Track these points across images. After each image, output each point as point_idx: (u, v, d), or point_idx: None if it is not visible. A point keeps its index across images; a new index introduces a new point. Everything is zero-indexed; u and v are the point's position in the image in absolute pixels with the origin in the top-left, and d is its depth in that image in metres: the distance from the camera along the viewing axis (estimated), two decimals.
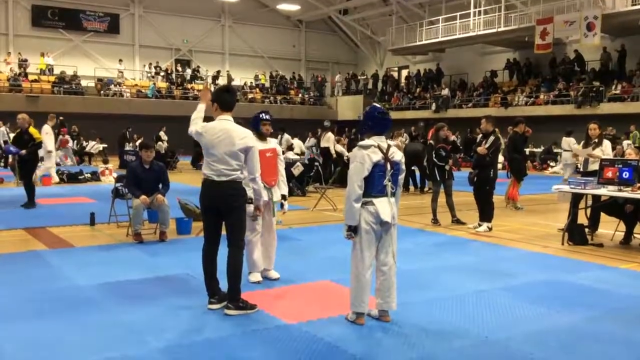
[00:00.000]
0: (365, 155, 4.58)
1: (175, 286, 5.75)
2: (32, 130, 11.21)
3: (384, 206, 4.62)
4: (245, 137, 4.94)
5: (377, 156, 4.59)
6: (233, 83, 32.37)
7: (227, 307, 4.92)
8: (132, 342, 4.25)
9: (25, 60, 29.99)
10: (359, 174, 4.58)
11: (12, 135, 20.62)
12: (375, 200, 4.61)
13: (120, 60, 32.40)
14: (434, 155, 9.72)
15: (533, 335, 4.49)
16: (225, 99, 5.06)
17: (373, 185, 4.61)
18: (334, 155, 16.63)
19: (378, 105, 4.93)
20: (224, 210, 4.94)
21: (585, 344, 4.34)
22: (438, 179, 9.74)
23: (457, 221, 9.75)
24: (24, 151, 10.96)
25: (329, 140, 16.99)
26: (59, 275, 6.14)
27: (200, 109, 5.19)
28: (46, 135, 16.03)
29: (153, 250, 7.42)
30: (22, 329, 4.49)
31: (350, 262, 4.76)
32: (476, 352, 4.14)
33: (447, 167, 9.76)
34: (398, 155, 4.74)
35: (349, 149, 16.89)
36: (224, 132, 4.90)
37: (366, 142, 4.69)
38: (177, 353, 4.05)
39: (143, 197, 7.87)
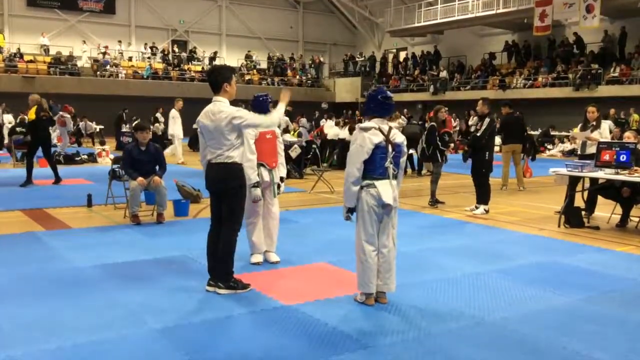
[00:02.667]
0: (366, 138, 4.56)
1: (173, 268, 5.76)
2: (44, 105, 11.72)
3: (386, 188, 4.61)
4: (229, 113, 4.82)
5: (378, 138, 4.57)
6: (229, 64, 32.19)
7: (217, 286, 4.95)
8: (130, 322, 4.27)
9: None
10: (358, 156, 4.57)
11: (5, 116, 20.53)
12: (377, 183, 4.60)
13: (120, 42, 32.18)
14: (438, 139, 9.71)
15: (529, 316, 4.52)
16: (208, 80, 5.07)
17: (374, 168, 4.60)
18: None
19: (383, 89, 4.88)
20: (221, 192, 4.96)
21: (580, 325, 4.37)
22: (440, 160, 9.74)
23: (435, 202, 9.76)
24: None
25: (331, 127, 16.97)
26: (57, 257, 6.15)
27: (280, 107, 5.11)
28: (172, 119, 16.45)
29: (151, 232, 7.43)
30: (19, 310, 4.51)
31: (355, 245, 4.77)
32: (472, 333, 4.17)
33: (446, 152, 9.89)
34: (400, 137, 4.73)
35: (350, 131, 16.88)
36: (211, 112, 4.90)
37: (367, 124, 4.67)
38: (175, 334, 4.08)
39: (140, 178, 7.85)
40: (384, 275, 4.70)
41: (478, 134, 8.96)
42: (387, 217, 4.69)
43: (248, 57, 36.00)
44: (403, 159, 4.78)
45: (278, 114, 5.08)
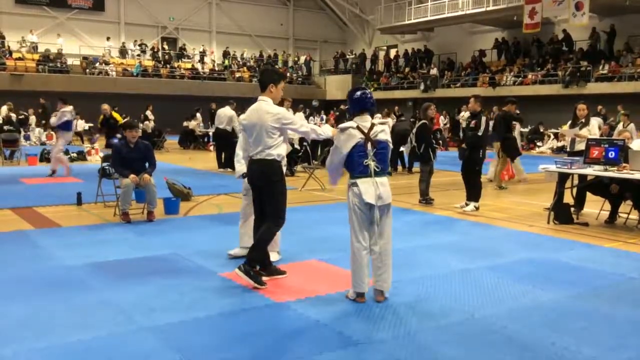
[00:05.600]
0: (341, 139, 4.65)
1: (163, 266, 5.75)
2: (114, 114, 13.91)
3: (368, 187, 4.61)
4: (277, 113, 5.07)
5: (354, 139, 4.61)
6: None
7: (239, 267, 5.07)
8: (120, 321, 4.26)
9: (3, 37, 29.46)
10: (336, 156, 4.70)
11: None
12: (359, 181, 4.62)
13: (108, 38, 31.99)
14: (432, 137, 9.72)
15: (518, 312, 4.55)
16: (258, 80, 5.41)
17: (354, 167, 4.65)
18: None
19: (358, 86, 5.01)
20: (262, 186, 5.18)
21: (568, 320, 4.41)
22: (432, 159, 9.74)
23: (426, 200, 9.76)
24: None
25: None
26: (46, 255, 6.12)
27: (325, 130, 5.38)
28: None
29: (141, 230, 7.41)
30: (8, 308, 4.49)
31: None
32: (462, 330, 4.19)
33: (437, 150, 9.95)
34: (384, 135, 4.73)
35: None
36: (256, 111, 5.14)
37: (345, 124, 4.74)
38: (165, 332, 4.07)
39: (132, 176, 7.83)
40: (376, 272, 4.71)
41: (479, 133, 8.93)
42: (378, 216, 4.65)
43: (226, 54, 35.66)
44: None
45: (328, 130, 5.33)
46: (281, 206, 5.18)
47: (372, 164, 4.63)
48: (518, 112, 13.34)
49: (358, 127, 4.65)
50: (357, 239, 4.68)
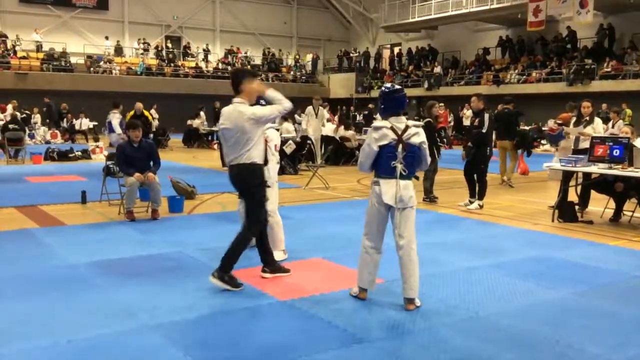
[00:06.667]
0: (374, 137, 4.50)
1: (168, 264, 5.76)
2: (145, 112, 14.94)
3: (389, 188, 4.48)
4: (250, 113, 4.90)
5: (386, 139, 4.47)
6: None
7: (212, 273, 4.99)
8: (125, 319, 4.27)
9: (5, 36, 29.47)
10: (366, 155, 4.57)
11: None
12: (381, 181, 4.52)
13: (107, 37, 31.99)
14: (436, 136, 9.71)
15: (522, 310, 4.55)
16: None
17: (380, 166, 4.54)
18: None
19: (388, 85, 4.75)
20: (242, 191, 5.19)
21: (573, 318, 4.40)
22: (437, 157, 9.73)
23: (430, 198, 9.76)
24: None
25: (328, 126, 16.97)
26: (51, 254, 6.14)
27: (272, 93, 5.14)
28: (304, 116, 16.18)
29: (145, 229, 7.42)
30: (13, 306, 4.50)
31: None
32: (466, 328, 4.19)
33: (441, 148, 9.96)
34: (417, 138, 4.54)
35: (345, 127, 16.87)
36: (229, 114, 5.02)
37: (380, 122, 4.58)
38: (169, 330, 4.08)
39: (137, 174, 7.85)
40: (402, 278, 4.57)
41: (483, 130, 8.92)
42: (398, 218, 4.50)
43: (231, 52, 35.67)
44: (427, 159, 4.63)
45: (279, 96, 5.08)
46: (259, 212, 5.12)
47: (400, 167, 4.47)
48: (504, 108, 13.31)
49: (392, 128, 4.49)
50: (367, 237, 4.67)
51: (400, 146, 4.48)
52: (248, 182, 5.02)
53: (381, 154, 4.50)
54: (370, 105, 24.00)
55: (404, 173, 4.50)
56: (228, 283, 4.95)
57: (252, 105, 5.03)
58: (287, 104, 5.08)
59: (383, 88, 4.71)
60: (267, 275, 5.31)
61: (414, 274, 4.53)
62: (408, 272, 4.53)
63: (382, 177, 4.54)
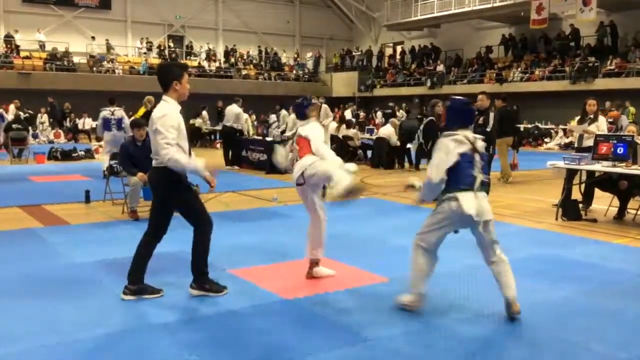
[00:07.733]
0: (450, 146, 4.23)
1: (172, 263, 5.77)
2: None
3: (468, 200, 4.18)
4: (158, 117, 4.53)
5: (464, 146, 4.24)
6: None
7: (190, 286, 4.83)
8: (131, 318, 4.29)
9: (11, 37, 29.48)
10: (442, 165, 4.21)
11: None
12: (459, 195, 4.18)
13: (107, 40, 31.97)
14: (439, 134, 9.69)
15: (527, 309, 4.53)
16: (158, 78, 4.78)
17: (459, 178, 4.21)
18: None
19: (459, 98, 4.63)
20: (166, 197, 4.92)
21: (578, 317, 4.40)
22: None
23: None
24: None
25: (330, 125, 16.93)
26: (55, 253, 6.16)
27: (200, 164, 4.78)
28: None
29: None
30: (19, 306, 4.52)
31: None
32: (472, 325, 4.19)
33: None
34: (481, 145, 4.38)
35: (347, 126, 16.84)
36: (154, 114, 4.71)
37: (451, 132, 4.35)
38: (176, 329, 4.09)
39: (140, 174, 7.85)
40: (501, 287, 4.40)
41: (488, 129, 8.93)
42: (482, 233, 4.32)
43: (233, 50, 35.65)
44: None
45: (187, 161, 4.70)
46: (197, 210, 4.85)
47: (481, 176, 4.24)
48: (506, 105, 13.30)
49: (466, 137, 4.29)
50: (421, 240, 4.44)
51: (477, 155, 4.29)
52: (169, 185, 4.75)
53: (459, 163, 4.20)
54: (391, 104, 23.84)
55: (485, 181, 4.32)
56: (210, 291, 4.78)
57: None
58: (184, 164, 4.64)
59: (454, 101, 4.53)
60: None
61: (509, 279, 4.36)
62: (504, 279, 4.35)
63: (461, 189, 4.19)
